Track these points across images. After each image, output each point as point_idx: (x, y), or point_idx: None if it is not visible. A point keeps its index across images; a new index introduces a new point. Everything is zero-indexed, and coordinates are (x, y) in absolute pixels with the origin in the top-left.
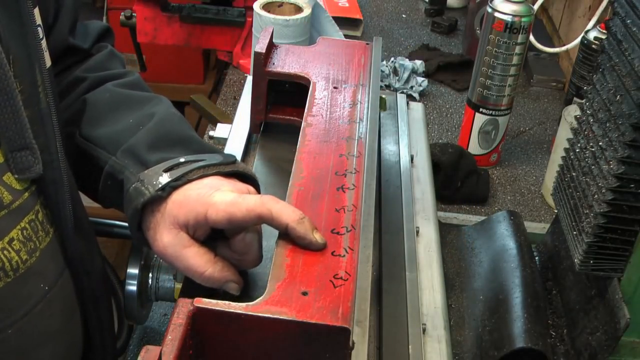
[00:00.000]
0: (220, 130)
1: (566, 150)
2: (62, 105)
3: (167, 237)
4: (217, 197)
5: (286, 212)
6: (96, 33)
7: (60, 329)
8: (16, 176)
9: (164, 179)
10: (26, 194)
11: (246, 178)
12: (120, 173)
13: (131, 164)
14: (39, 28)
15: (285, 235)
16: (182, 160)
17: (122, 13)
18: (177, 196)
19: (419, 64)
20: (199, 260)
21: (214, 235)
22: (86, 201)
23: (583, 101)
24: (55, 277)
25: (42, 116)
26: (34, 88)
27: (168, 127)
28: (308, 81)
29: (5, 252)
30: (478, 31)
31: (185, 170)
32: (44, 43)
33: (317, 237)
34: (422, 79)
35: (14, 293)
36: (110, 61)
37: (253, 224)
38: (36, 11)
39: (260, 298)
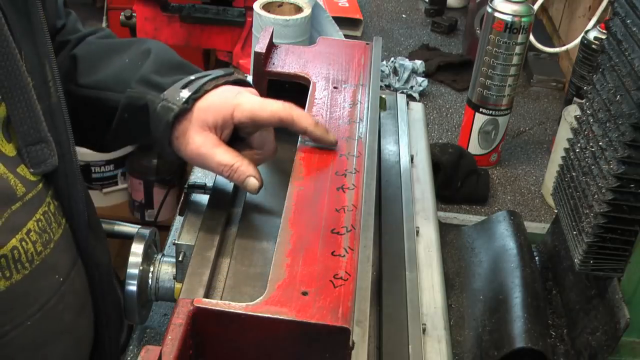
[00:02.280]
0: None
1: (566, 150)
2: None
3: (198, 138)
4: (242, 98)
5: (305, 117)
6: (61, 3)
7: (72, 324)
8: (31, 170)
9: (185, 93)
10: (40, 186)
11: (245, 84)
12: (140, 100)
13: (149, 90)
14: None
15: (286, 234)
16: (192, 77)
17: (122, 13)
18: (201, 104)
19: (419, 64)
20: (228, 156)
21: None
22: None
23: (583, 101)
24: (68, 269)
25: (53, 110)
26: (45, 83)
27: (168, 57)
28: (308, 81)
29: (23, 243)
30: (478, 31)
31: (200, 83)
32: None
33: (332, 137)
34: (422, 79)
35: (30, 286)
36: (78, 23)
37: (274, 126)
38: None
39: (260, 298)
